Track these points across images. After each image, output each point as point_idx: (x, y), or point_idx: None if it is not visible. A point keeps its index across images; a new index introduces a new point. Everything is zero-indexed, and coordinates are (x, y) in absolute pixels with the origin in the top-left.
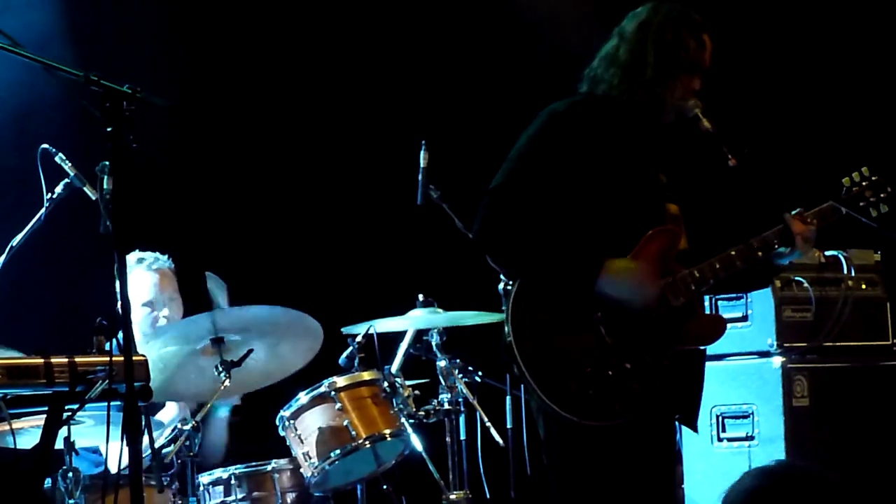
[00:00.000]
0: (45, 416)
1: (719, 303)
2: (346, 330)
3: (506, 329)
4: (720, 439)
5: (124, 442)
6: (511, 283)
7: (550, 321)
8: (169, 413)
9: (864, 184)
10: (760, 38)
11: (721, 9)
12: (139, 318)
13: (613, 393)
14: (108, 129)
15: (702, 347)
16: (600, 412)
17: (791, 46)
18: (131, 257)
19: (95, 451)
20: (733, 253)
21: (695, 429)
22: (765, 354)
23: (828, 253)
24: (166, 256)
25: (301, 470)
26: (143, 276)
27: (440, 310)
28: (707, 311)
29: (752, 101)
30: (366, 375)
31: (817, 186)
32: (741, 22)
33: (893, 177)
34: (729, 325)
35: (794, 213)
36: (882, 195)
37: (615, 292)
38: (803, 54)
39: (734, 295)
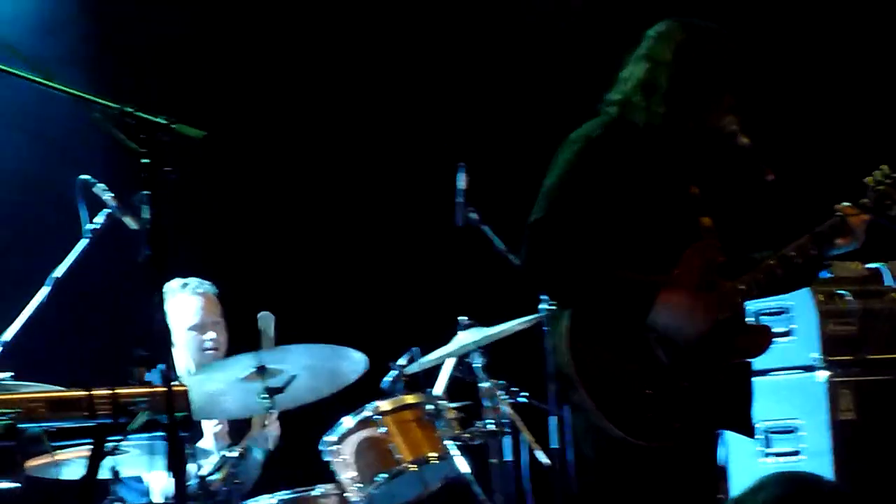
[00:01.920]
0: (89, 447)
1: (761, 318)
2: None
3: (563, 358)
4: (766, 454)
5: (169, 471)
6: (555, 305)
7: (606, 347)
8: (210, 441)
9: (887, 182)
10: (777, 39)
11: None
12: (185, 343)
13: (673, 412)
14: (145, 161)
15: (752, 359)
16: (662, 433)
17: (807, 49)
18: (174, 283)
19: (140, 480)
20: (772, 262)
21: (752, 436)
22: (809, 369)
23: (869, 265)
24: (210, 282)
25: (346, 495)
26: (188, 301)
27: (482, 328)
28: (753, 323)
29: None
30: (410, 399)
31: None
32: (754, 23)
33: None
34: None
35: (844, 204)
36: None
37: (669, 324)
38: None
39: (776, 309)
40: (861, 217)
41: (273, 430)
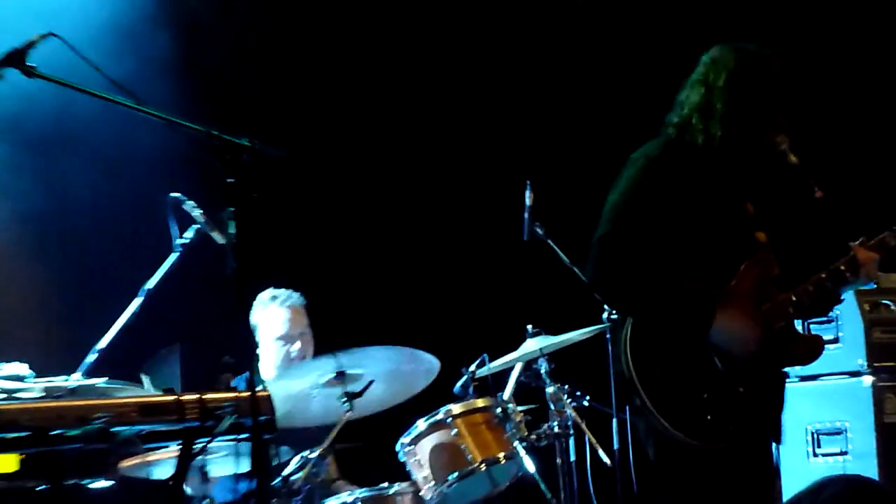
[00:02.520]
0: (178, 448)
1: (811, 326)
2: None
3: (624, 364)
4: (815, 455)
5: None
6: (618, 316)
7: (666, 354)
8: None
9: None
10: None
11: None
12: (273, 352)
13: (730, 416)
14: (231, 180)
15: (804, 366)
16: (719, 435)
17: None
18: (265, 294)
19: (229, 479)
20: (824, 275)
21: (779, 440)
22: (855, 374)
23: None
24: (298, 294)
25: (421, 493)
26: (277, 312)
27: (548, 336)
28: (803, 333)
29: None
30: (480, 402)
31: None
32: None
33: None
34: None
35: (857, 242)
36: None
37: (726, 339)
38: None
39: (825, 318)
40: (871, 255)
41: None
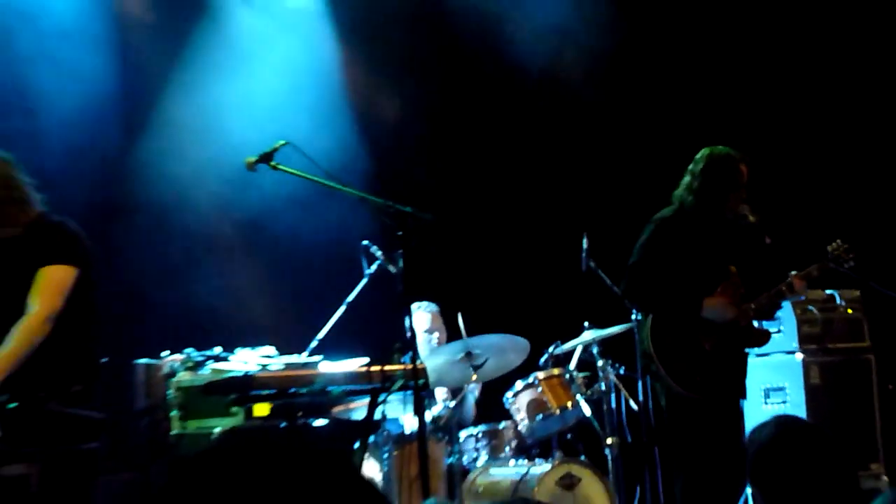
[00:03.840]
0: (368, 400)
1: (764, 323)
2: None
3: (647, 345)
4: (766, 404)
5: (414, 414)
6: (642, 315)
7: (673, 338)
8: (440, 396)
9: (841, 248)
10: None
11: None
12: (422, 340)
13: (712, 378)
14: (399, 233)
15: (759, 347)
16: (706, 390)
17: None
18: (415, 305)
19: (397, 420)
20: (772, 292)
21: (744, 396)
22: (791, 352)
23: (828, 291)
24: (435, 304)
25: (518, 427)
26: (423, 315)
27: (598, 330)
28: (758, 327)
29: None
30: (555, 371)
31: (814, 253)
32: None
33: (854, 244)
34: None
35: (794, 272)
36: (850, 255)
37: (710, 315)
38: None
39: (772, 319)
40: (802, 281)
41: (475, 390)
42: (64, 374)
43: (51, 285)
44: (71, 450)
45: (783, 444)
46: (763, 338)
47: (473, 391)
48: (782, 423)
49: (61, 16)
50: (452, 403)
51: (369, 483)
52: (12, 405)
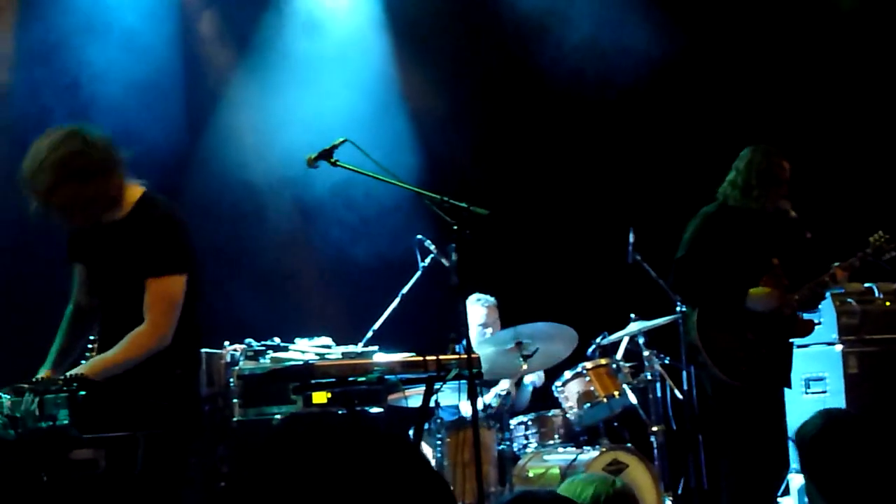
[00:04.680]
0: (424, 388)
1: (804, 314)
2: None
3: (693, 336)
4: (807, 393)
5: (468, 401)
6: (688, 308)
7: (718, 329)
8: (499, 386)
9: (883, 239)
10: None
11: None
12: (475, 333)
13: (757, 367)
14: (454, 227)
15: (802, 338)
16: (750, 378)
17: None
18: (472, 297)
19: (451, 407)
20: (814, 284)
21: (789, 386)
22: (831, 343)
23: (866, 284)
24: (491, 297)
25: (567, 415)
26: (478, 309)
27: (644, 321)
28: (802, 317)
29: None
30: (602, 361)
31: (855, 244)
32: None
33: None
34: None
35: (836, 264)
36: (892, 245)
37: (755, 306)
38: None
39: (814, 310)
40: (844, 272)
41: (537, 379)
42: (168, 357)
43: (164, 301)
44: (139, 435)
45: (832, 436)
46: (808, 327)
47: (530, 385)
48: (829, 416)
49: (131, 31)
50: (505, 392)
51: (429, 465)
52: (83, 392)
